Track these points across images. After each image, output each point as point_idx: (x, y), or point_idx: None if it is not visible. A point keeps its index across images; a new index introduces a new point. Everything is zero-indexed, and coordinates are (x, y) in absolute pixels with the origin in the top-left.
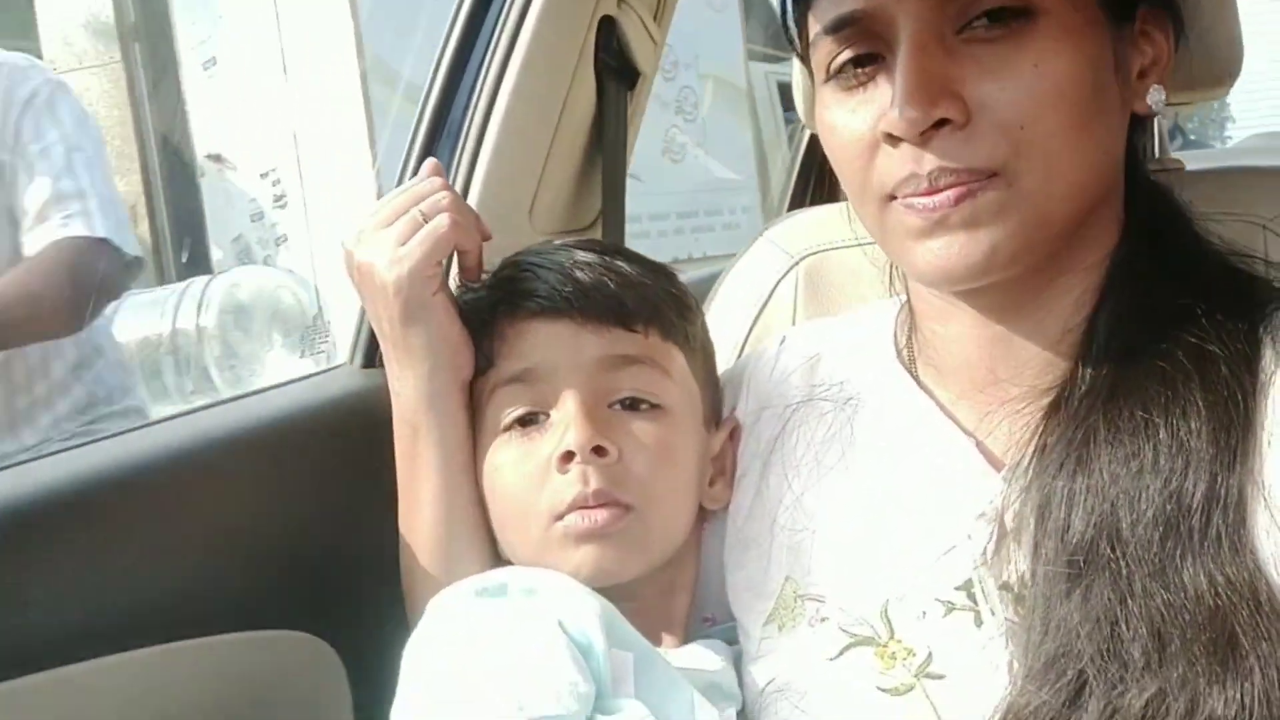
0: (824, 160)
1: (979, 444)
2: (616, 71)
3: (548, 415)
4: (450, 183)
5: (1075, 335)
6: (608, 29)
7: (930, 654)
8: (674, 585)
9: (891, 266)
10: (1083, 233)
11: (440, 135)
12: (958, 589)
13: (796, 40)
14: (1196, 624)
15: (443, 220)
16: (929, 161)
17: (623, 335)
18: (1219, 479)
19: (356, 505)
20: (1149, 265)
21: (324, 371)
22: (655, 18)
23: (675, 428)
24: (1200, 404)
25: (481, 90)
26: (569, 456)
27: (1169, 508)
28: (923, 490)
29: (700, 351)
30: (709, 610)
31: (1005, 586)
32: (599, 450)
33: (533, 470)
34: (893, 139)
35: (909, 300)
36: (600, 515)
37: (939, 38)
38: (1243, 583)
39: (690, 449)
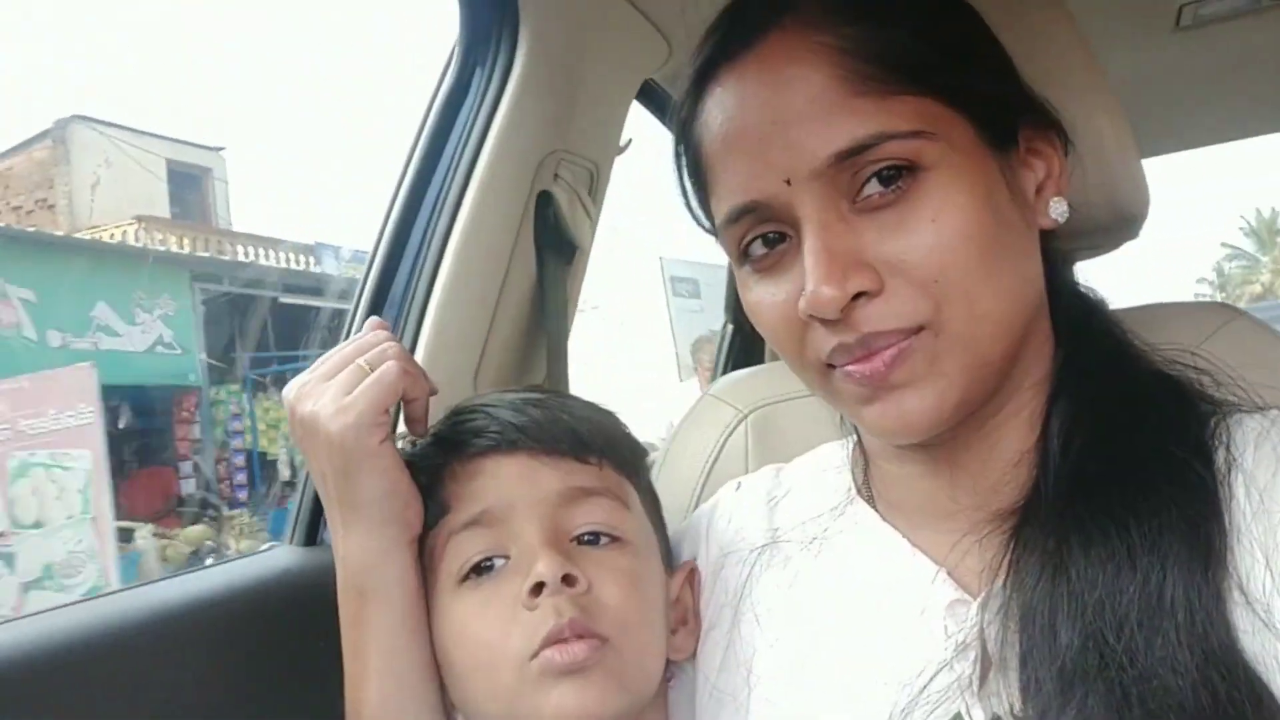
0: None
1: (950, 572)
2: (554, 246)
3: (507, 558)
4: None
5: (1032, 454)
6: (545, 204)
7: None
8: None
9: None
10: (1020, 358)
11: (383, 305)
12: None
13: (704, 220)
14: None
15: (390, 368)
16: (852, 332)
17: (579, 468)
18: (1195, 575)
19: (297, 688)
20: (1092, 373)
21: (261, 551)
22: (590, 193)
23: (639, 560)
24: (1169, 502)
25: (424, 262)
26: (538, 589)
27: (1151, 608)
28: (899, 625)
29: (649, 492)
30: None
31: (996, 719)
32: (569, 580)
33: (499, 613)
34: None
35: (860, 440)
36: (578, 648)
37: (837, 213)
38: (1240, 680)
39: (656, 583)
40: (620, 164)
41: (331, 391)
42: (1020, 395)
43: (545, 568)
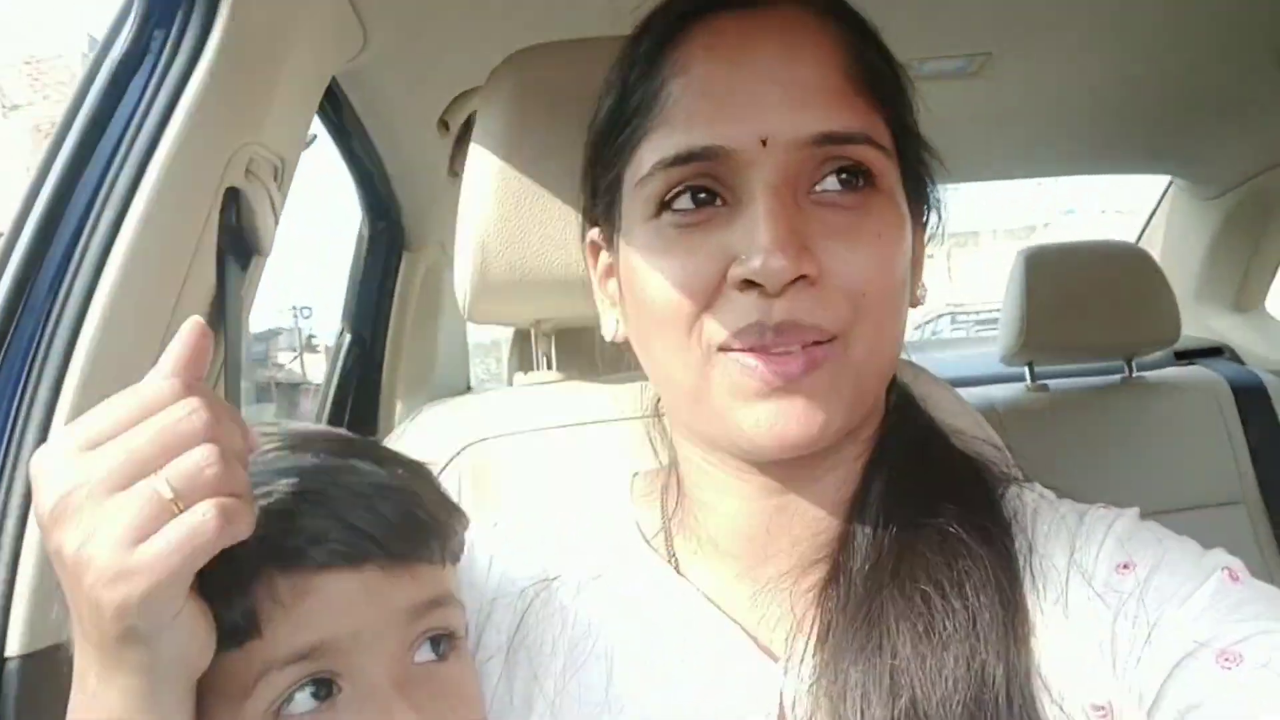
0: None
1: (748, 631)
2: (236, 250)
3: (340, 688)
4: (33, 372)
5: (848, 505)
6: (231, 200)
7: None
8: None
9: (649, 436)
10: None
11: (14, 323)
12: None
13: (602, 173)
14: None
15: (209, 517)
16: (779, 313)
17: (426, 571)
18: (1011, 652)
19: None
20: (911, 441)
21: None
22: (277, 182)
23: (467, 662)
24: (984, 575)
25: (78, 269)
26: None
27: (974, 685)
28: (694, 689)
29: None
30: None
31: None
32: None
33: None
34: (749, 285)
35: (675, 470)
36: None
37: (793, 193)
38: None
39: (477, 682)
40: None
41: (113, 533)
42: (856, 444)
43: None
